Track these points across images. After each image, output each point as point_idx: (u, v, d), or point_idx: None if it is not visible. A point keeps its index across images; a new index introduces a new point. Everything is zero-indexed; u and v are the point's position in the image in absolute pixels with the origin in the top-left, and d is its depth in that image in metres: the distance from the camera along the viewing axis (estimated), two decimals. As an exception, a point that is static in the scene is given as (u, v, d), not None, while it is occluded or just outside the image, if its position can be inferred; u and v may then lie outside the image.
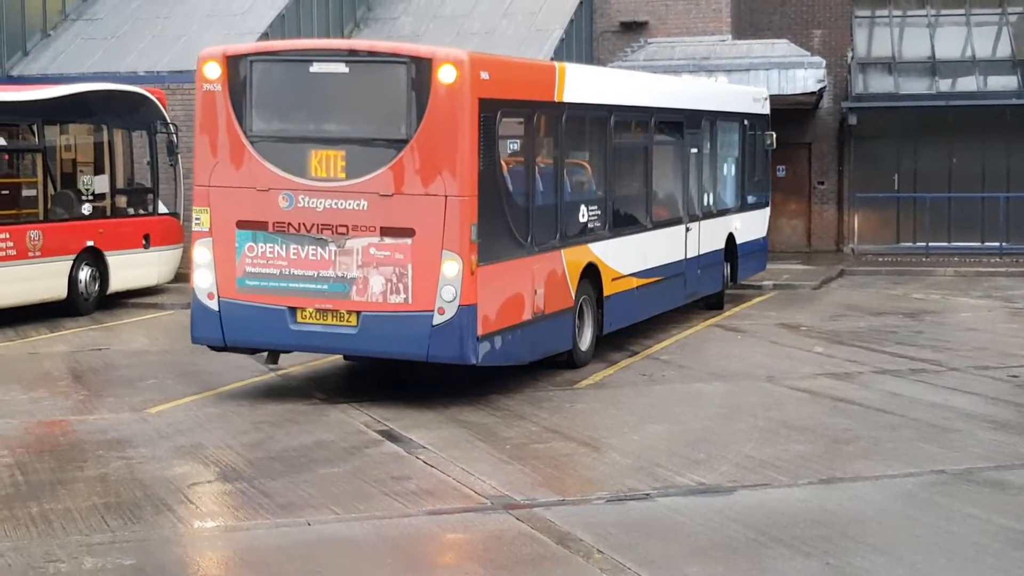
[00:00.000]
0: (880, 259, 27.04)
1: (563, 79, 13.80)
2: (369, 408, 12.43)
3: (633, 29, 27.32)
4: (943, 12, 30.55)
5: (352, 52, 12.53)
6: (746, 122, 19.84)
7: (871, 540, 8.58)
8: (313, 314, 12.07)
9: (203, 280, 12.50)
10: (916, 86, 28.28)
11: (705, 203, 18.13)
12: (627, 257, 15.25)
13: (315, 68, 12.14)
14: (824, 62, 26.54)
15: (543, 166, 13.64)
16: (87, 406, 12.88)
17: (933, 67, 28.72)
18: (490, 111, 12.08)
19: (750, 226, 20.11)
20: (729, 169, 19.27)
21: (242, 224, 12.26)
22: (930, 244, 26.80)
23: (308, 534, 8.76)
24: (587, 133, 15.36)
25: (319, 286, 12.05)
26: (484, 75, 11.87)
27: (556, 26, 26.13)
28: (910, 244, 28.11)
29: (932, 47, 29.28)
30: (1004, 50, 29.38)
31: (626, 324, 15.76)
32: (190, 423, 11.90)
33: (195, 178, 12.74)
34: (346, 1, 28.02)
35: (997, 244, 27.64)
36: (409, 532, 8.82)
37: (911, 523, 9.11)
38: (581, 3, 27.24)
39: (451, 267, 11.65)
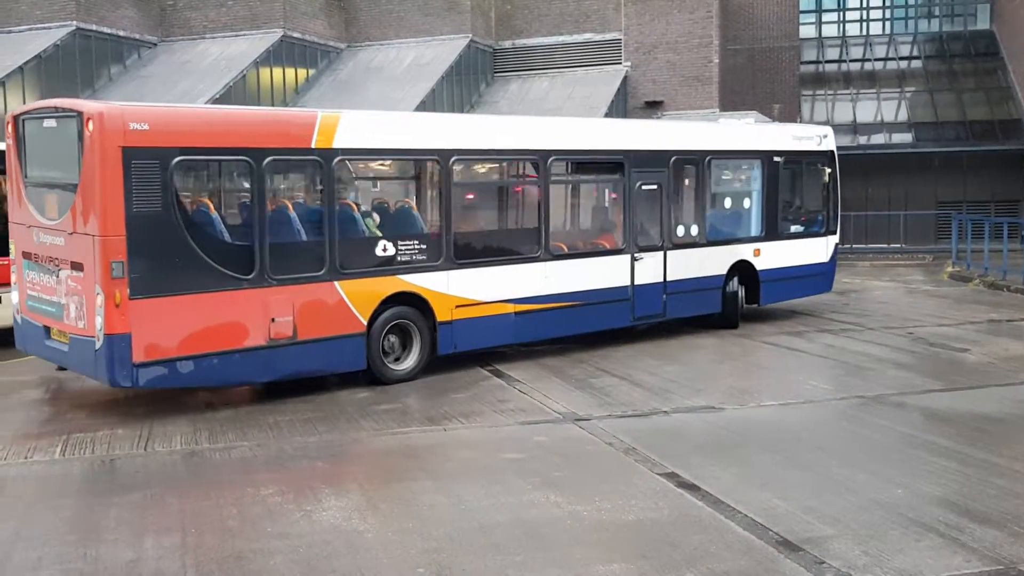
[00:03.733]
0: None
1: (332, 127, 10.45)
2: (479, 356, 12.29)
3: (653, 106, 27.23)
4: (861, 91, 31.28)
5: (56, 109, 9.90)
6: (776, 159, 15.13)
7: (815, 441, 8.69)
8: (56, 333, 9.87)
9: (15, 298, 10.65)
10: (844, 140, 28.26)
11: (670, 234, 13.69)
12: (487, 285, 11.69)
13: (45, 124, 10.00)
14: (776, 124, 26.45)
15: (280, 207, 10.43)
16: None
17: (855, 127, 29.26)
18: (147, 158, 9.19)
19: (786, 253, 15.27)
20: (736, 202, 14.97)
21: (23, 254, 10.37)
22: (853, 246, 26.55)
23: (444, 436, 8.92)
24: (398, 175, 11.97)
25: (52, 309, 9.87)
26: (137, 126, 9.14)
27: (602, 104, 25.78)
28: (843, 246, 28.00)
29: (854, 114, 30.07)
30: (903, 115, 30.02)
31: (498, 344, 12.16)
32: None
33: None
34: (465, 92, 28.04)
35: (898, 245, 27.56)
36: (509, 435, 8.93)
37: (842, 430, 9.20)
38: (618, 90, 27.21)
39: (100, 299, 9.07)
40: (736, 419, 9.53)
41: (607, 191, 14.04)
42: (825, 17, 34.92)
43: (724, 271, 14.49)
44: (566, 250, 12.80)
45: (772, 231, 15.19)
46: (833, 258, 16.37)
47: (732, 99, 28.96)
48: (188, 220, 9.61)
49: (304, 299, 10.23)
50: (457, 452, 8.39)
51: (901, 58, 32.93)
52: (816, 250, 16.01)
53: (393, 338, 11.10)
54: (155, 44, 27.87)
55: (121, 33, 26.95)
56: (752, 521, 6.63)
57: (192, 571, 5.83)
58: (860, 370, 11.86)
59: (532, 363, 12.25)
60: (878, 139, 29.28)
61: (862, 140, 29.06)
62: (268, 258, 9.96)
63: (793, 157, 15.57)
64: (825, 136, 16.24)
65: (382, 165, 11.84)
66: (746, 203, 15.17)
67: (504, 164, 12.78)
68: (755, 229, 15.10)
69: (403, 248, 11.08)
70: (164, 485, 7.54)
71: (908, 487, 7.36)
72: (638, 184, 13.45)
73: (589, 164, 13.56)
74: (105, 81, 26.12)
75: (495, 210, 12.98)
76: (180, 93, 24.47)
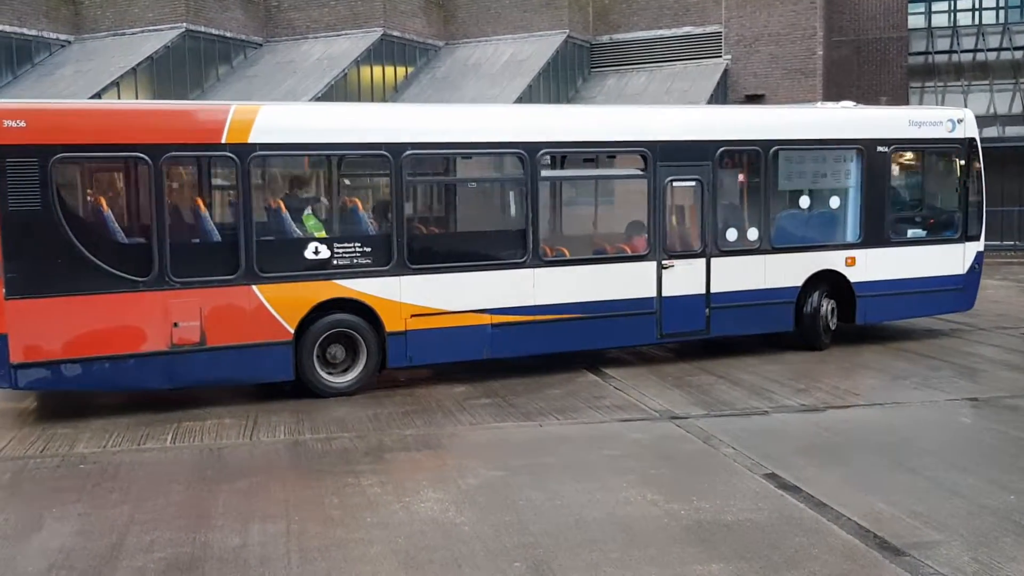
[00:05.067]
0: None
1: (248, 121, 9.71)
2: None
3: (754, 99, 26.75)
4: (973, 83, 29.92)
5: None
6: (882, 148, 12.65)
7: (922, 444, 8.44)
8: None
9: None
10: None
11: (715, 239, 11.78)
12: (453, 293, 10.52)
13: None
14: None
15: (185, 206, 10.00)
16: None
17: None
18: (23, 155, 8.87)
19: (897, 262, 12.74)
20: (819, 201, 12.64)
21: None
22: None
23: (540, 432, 8.94)
24: (334, 171, 10.80)
25: None
26: (12, 123, 8.82)
27: (701, 99, 25.36)
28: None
29: (965, 107, 28.16)
30: (1017, 108, 28.74)
31: (469, 358, 10.83)
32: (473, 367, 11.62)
33: None
34: (561, 88, 28.00)
35: (1012, 243, 26.44)
36: (605, 431, 8.89)
37: (951, 433, 8.95)
38: (718, 84, 26.82)
39: None
40: (839, 419, 9.32)
41: (623, 189, 12.54)
42: (935, 7, 33.73)
43: (799, 283, 12.29)
44: (567, 255, 11.34)
45: (875, 236, 12.69)
46: (974, 270, 13.43)
47: (837, 92, 28.18)
48: (73, 219, 9.22)
49: (215, 303, 9.60)
50: (553, 448, 8.40)
51: (1016, 48, 31.57)
52: (946, 259, 13.21)
53: (337, 348, 10.23)
54: (260, 44, 28.62)
55: (228, 34, 27.76)
56: (855, 525, 6.48)
57: (296, 557, 5.98)
58: (971, 371, 11.50)
59: (629, 360, 12.18)
60: (990, 132, 28.06)
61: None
62: (169, 259, 9.40)
63: (909, 146, 13.09)
64: (960, 121, 13.35)
65: (314, 161, 10.82)
66: (834, 202, 12.71)
67: (476, 160, 11.49)
68: (849, 233, 12.69)
69: (341, 250, 10.10)
70: (269, 474, 7.75)
71: (1021, 493, 7.10)
72: (667, 180, 11.59)
73: (594, 158, 11.92)
74: (213, 81, 26.96)
75: (464, 210, 11.95)
76: (284, 92, 25.09)
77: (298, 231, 10.24)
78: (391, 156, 10.29)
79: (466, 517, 6.64)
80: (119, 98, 24.00)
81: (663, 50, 28.64)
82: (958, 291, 13.35)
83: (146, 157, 9.38)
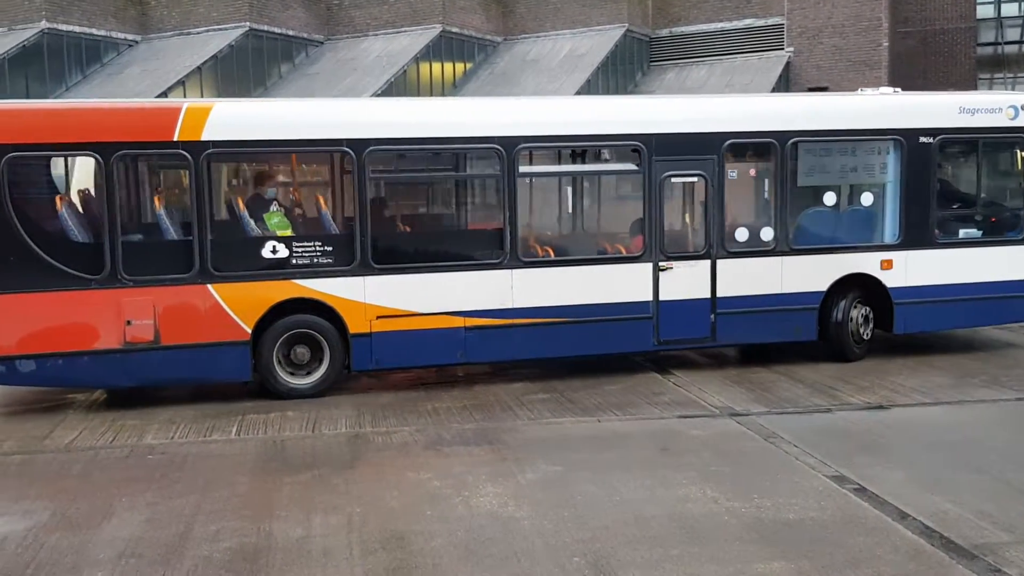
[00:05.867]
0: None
1: (201, 119, 9.62)
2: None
3: (817, 91, 26.39)
4: None
5: None
6: (925, 139, 11.42)
7: (991, 443, 8.26)
8: None
9: None
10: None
11: (722, 239, 10.94)
12: (423, 295, 10.13)
13: None
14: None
15: (138, 204, 10.14)
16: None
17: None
18: None
19: (945, 265, 11.48)
20: (848, 198, 11.63)
21: None
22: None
23: (598, 427, 8.92)
24: (294, 169, 11.01)
25: None
26: None
27: (764, 92, 25.34)
28: None
29: None
30: None
31: (441, 363, 10.62)
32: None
33: None
34: (620, 83, 27.94)
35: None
36: (664, 428, 8.85)
37: (1019, 432, 8.73)
38: (780, 77, 26.48)
39: None
40: (904, 418, 9.17)
41: (616, 185, 11.83)
42: (1005, -5, 32.92)
43: (823, 287, 11.24)
44: (552, 255, 10.78)
45: (918, 237, 11.45)
46: None
47: (903, 84, 27.44)
48: (24, 218, 9.30)
49: (169, 302, 9.56)
50: (612, 443, 8.39)
51: (1091, 36, 30.67)
52: (1009, 263, 11.81)
53: (303, 349, 10.07)
54: (321, 43, 28.98)
55: (290, 33, 28.16)
56: (921, 524, 6.37)
57: (357, 549, 6.07)
58: (1042, 370, 11.21)
59: (690, 357, 12.10)
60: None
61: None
62: (121, 257, 9.43)
63: (960, 136, 11.71)
64: (1023, 107, 11.88)
65: (271, 158, 10.66)
66: (866, 200, 11.53)
67: (447, 155, 11.00)
68: (885, 234, 11.52)
69: (300, 249, 9.89)
70: (330, 466, 7.86)
71: (1095, 495, 6.92)
72: (665, 176, 10.84)
73: (581, 152, 11.18)
74: (276, 79, 27.37)
75: (435, 209, 11.67)
76: (345, 89, 25.38)
77: (255, 229, 10.08)
78: (353, 152, 10.02)
79: (525, 511, 6.67)
80: (185, 96, 24.47)
81: (724, 43, 28.37)
82: (1013, 298, 11.89)
83: (98, 155, 9.40)
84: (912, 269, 11.44)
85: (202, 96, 24.70)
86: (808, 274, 11.22)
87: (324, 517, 6.62)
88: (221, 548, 6.10)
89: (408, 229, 11.12)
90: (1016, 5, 32.74)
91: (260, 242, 9.90)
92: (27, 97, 23.98)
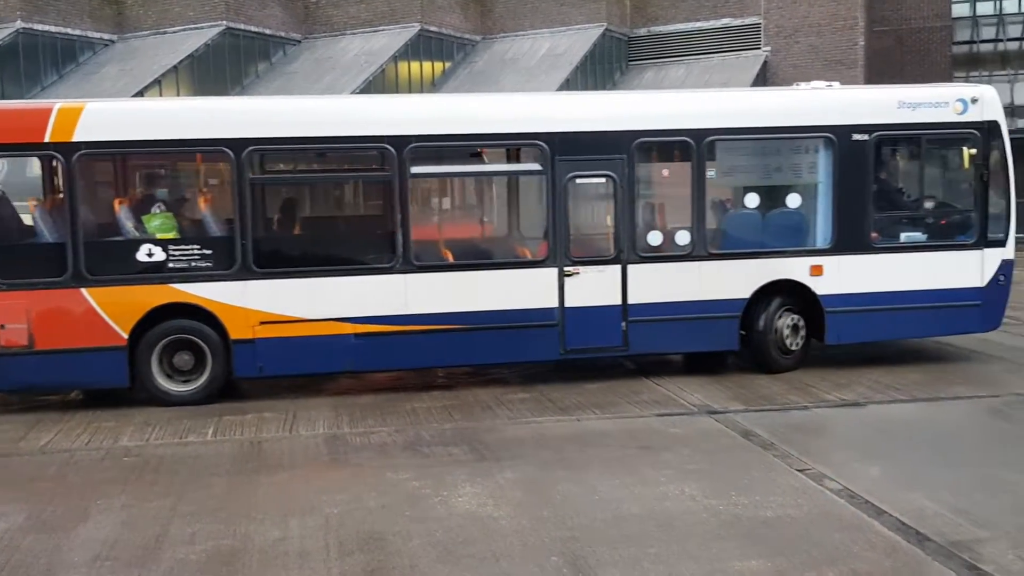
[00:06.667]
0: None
1: (72, 120, 9.44)
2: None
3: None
4: (1020, 72, 29.76)
5: None
6: (860, 136, 10.72)
7: (967, 440, 8.34)
8: None
9: None
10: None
11: (634, 242, 10.42)
12: (310, 300, 9.78)
13: None
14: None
15: (7, 207, 9.85)
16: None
17: (1012, 110, 27.52)
18: None
19: (884, 271, 10.80)
20: (772, 199, 10.85)
21: None
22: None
23: (578, 427, 8.91)
24: (169, 170, 10.70)
25: None
26: None
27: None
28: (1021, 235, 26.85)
29: (1012, 97, 28.30)
30: None
31: (330, 370, 10.33)
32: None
33: None
34: (599, 81, 27.85)
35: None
36: (643, 426, 8.84)
37: (996, 429, 8.79)
38: (757, 76, 26.56)
39: None
40: (881, 415, 9.21)
41: (518, 187, 11.36)
42: (980, -6, 33.20)
43: (746, 294, 10.63)
44: (450, 259, 10.42)
45: (852, 241, 10.76)
46: (998, 282, 11.09)
47: (879, 83, 27.91)
48: None
49: (43, 306, 9.39)
50: (591, 442, 8.38)
51: (1065, 35, 31.02)
52: (958, 269, 10.99)
53: (187, 355, 9.80)
54: (299, 41, 28.86)
55: (268, 31, 28.03)
56: (898, 521, 6.39)
57: (335, 551, 6.02)
58: (1017, 366, 11.31)
59: (665, 356, 12.09)
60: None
61: (1021, 124, 27.52)
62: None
63: (900, 133, 10.92)
64: (975, 100, 11.00)
65: (146, 159, 10.31)
66: (793, 201, 10.85)
67: (334, 155, 10.63)
68: (815, 238, 10.90)
69: (178, 253, 9.61)
70: (308, 467, 7.81)
71: (1069, 491, 6.97)
72: (570, 176, 10.31)
73: (475, 153, 10.76)
74: (252, 78, 27.23)
75: (322, 211, 11.35)
76: (323, 88, 25.29)
77: (131, 232, 9.80)
78: (232, 152, 9.70)
79: (504, 511, 6.65)
80: (161, 95, 24.31)
81: (702, 42, 28.46)
82: (974, 307, 11.04)
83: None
84: (846, 275, 10.77)
85: (178, 94, 24.54)
86: (729, 280, 10.64)
87: (301, 518, 6.57)
88: (197, 550, 6.05)
89: (292, 232, 10.71)
90: (991, 4, 33.03)
91: (135, 245, 9.62)
92: (3, 98, 23.73)
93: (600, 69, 28.20)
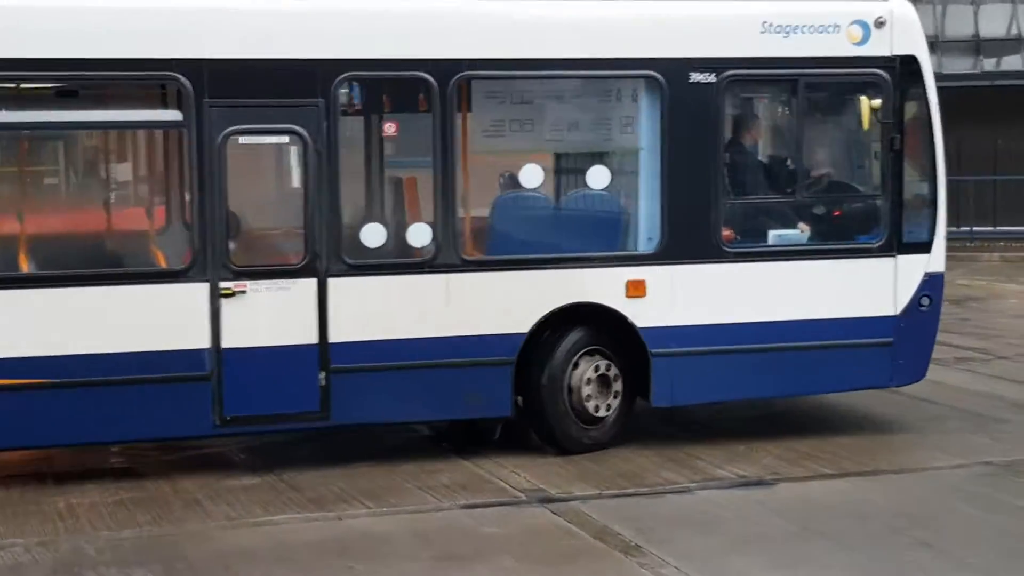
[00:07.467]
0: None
1: None
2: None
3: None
4: None
5: None
6: (703, 76, 10.05)
7: (917, 534, 8.45)
8: None
9: None
10: (959, 65, 28.28)
11: (339, 243, 9.63)
12: None
13: None
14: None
15: None
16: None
17: (977, 46, 28.94)
18: None
19: (741, 291, 10.24)
20: (567, 175, 10.67)
21: None
22: (974, 229, 26.49)
23: (339, 529, 8.71)
24: None
25: None
26: None
27: None
28: (953, 229, 27.75)
29: (976, 25, 29.57)
30: None
31: None
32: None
33: None
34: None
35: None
36: (443, 525, 8.75)
37: (959, 517, 9.01)
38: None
39: None
40: (797, 498, 9.38)
41: (137, 149, 10.96)
42: None
43: (524, 327, 9.95)
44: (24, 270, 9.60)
45: (692, 241, 10.18)
46: (920, 307, 10.56)
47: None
48: None
49: None
50: (358, 554, 8.20)
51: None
52: (857, 286, 10.51)
53: None
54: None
55: None
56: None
57: None
58: (986, 421, 11.76)
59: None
60: (1012, 63, 29.04)
61: (988, 65, 28.86)
62: None
63: (764, 72, 10.52)
64: (881, 23, 10.30)
65: None
66: (599, 178, 10.33)
67: None
68: (634, 237, 10.46)
69: None
70: None
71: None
72: (229, 133, 9.45)
73: (66, 92, 9.82)
74: None
75: None
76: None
77: None
78: None
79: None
80: None
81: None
82: (883, 347, 10.55)
83: None
84: (682, 297, 10.17)
85: None
86: (495, 304, 9.94)
87: None
88: None
89: None
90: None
91: None
92: None
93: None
